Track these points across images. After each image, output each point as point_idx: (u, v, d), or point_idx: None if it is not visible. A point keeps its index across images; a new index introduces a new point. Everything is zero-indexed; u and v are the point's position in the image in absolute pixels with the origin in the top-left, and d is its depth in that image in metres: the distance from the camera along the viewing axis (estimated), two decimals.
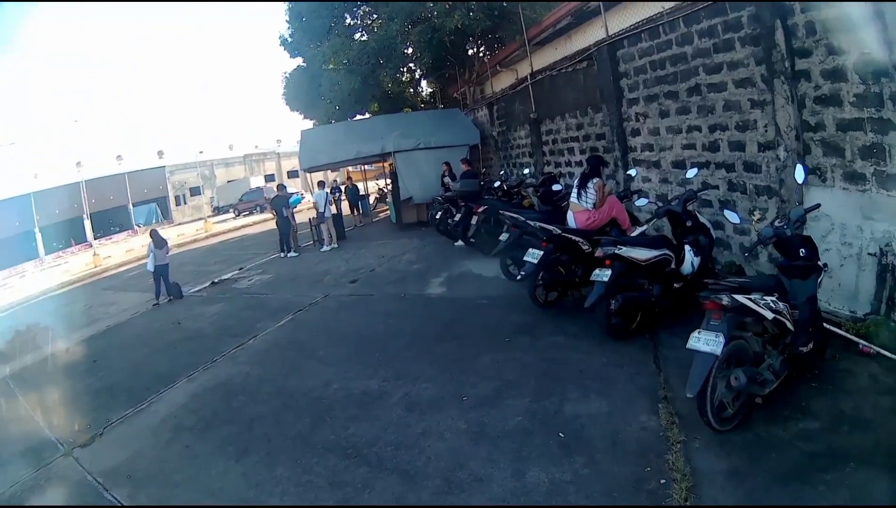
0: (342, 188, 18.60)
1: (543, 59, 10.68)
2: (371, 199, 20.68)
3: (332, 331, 6.50)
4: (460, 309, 6.50)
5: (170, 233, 30.63)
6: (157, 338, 7.54)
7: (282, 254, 12.31)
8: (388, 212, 17.54)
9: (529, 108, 11.20)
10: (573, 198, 6.04)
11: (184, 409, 4.91)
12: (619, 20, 7.53)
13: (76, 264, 22.58)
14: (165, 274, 9.84)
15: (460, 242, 9.66)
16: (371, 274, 9.07)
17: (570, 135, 9.80)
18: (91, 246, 36.53)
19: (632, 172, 6.90)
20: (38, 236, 32.75)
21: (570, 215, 6.08)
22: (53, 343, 8.27)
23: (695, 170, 5.44)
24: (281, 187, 13.83)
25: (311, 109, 19.96)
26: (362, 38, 16.67)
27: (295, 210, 13.50)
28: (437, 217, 10.63)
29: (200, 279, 11.49)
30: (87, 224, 39.03)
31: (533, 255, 5.58)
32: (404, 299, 7.35)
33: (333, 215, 12.98)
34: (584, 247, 5.63)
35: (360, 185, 20.09)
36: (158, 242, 9.84)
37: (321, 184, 13.25)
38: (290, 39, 18.62)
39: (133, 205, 43.45)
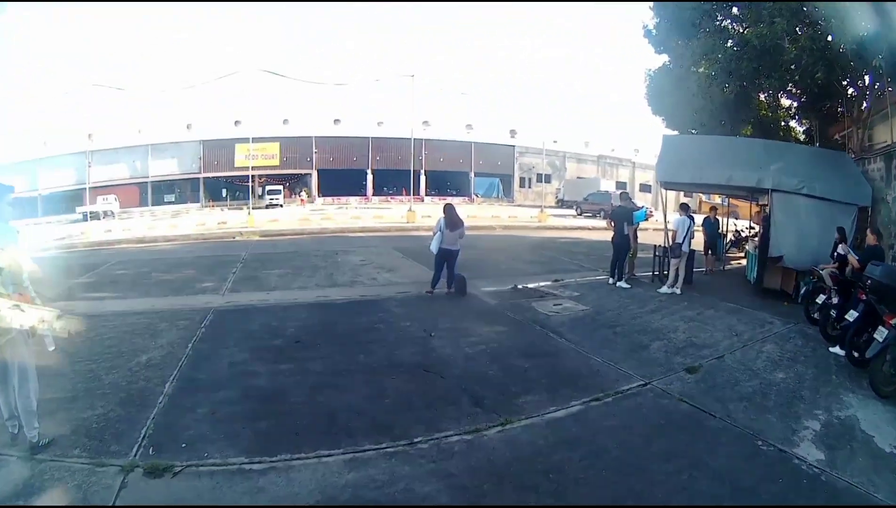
0: (698, 219, 14.38)
1: None
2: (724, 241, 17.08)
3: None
4: None
5: (501, 211, 34.17)
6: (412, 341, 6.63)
7: (610, 281, 10.40)
8: (744, 262, 14.06)
9: None
10: None
11: None
12: None
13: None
14: (452, 261, 8.94)
15: (838, 349, 6.50)
16: (714, 365, 5.91)
17: None
18: (422, 199, 43.63)
19: None
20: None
21: None
22: None
23: None
24: (625, 196, 11.60)
25: (675, 117, 17.71)
26: (741, 32, 13.72)
27: (638, 227, 11.32)
28: (808, 295, 7.83)
29: (503, 276, 10.76)
30: (423, 179, 46.04)
31: None
32: (764, 458, 4.02)
33: (691, 251, 10.35)
34: None
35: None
36: (452, 222, 8.76)
37: (684, 207, 10.22)
38: (654, 31, 16.31)
39: (475, 175, 49.34)
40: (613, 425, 4.50)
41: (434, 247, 9.09)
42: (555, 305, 8.51)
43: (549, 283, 10.46)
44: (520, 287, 10.04)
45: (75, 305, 7.43)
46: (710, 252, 12.95)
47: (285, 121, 51.36)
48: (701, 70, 15.20)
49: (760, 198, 14.25)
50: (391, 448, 3.99)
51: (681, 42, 15.60)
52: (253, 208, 41.97)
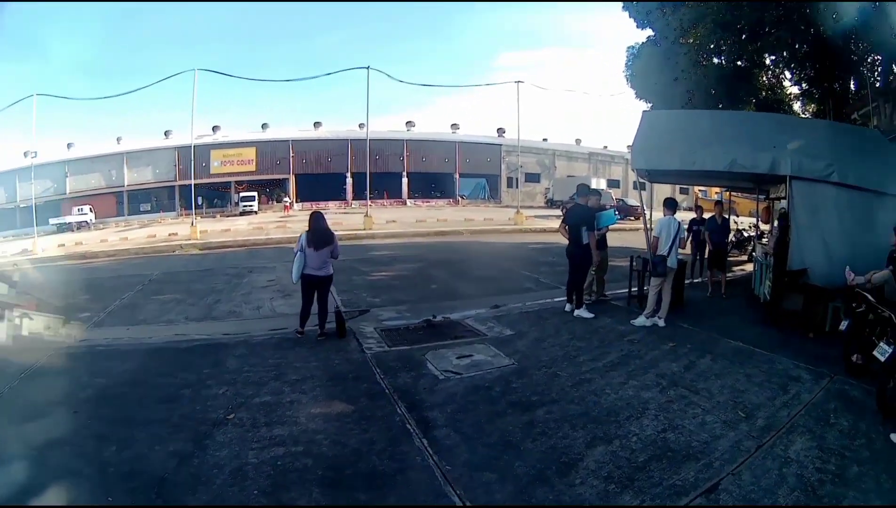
0: (703, 219, 10.11)
1: None
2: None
3: None
4: None
5: (482, 214, 31.47)
6: None
7: (567, 307, 7.52)
8: (748, 268, 11.15)
9: None
10: None
11: None
12: None
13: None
14: (323, 290, 6.47)
15: None
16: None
17: None
18: (405, 203, 41.20)
19: None
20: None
21: None
22: None
23: None
24: (583, 190, 8.02)
25: (663, 101, 15.12)
26: None
27: (606, 232, 8.19)
28: (849, 331, 5.09)
29: (430, 300, 8.52)
30: (405, 182, 43.44)
31: None
32: None
33: (681, 263, 7.42)
34: None
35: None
36: (318, 237, 6.29)
37: (669, 204, 7.21)
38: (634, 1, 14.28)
39: (460, 176, 46.50)
40: None
41: (295, 275, 6.40)
42: (461, 358, 5.57)
43: (482, 312, 7.73)
44: (436, 319, 7.33)
45: None
46: (713, 267, 9.36)
47: (264, 126, 49.01)
48: (691, 41, 12.47)
49: (772, 190, 11.21)
50: None
51: (666, 10, 13.16)
52: (227, 215, 40.20)
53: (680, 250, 7.18)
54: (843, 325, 5.27)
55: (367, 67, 23.64)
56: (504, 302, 8.28)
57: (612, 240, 9.17)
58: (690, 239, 9.81)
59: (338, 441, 3.76)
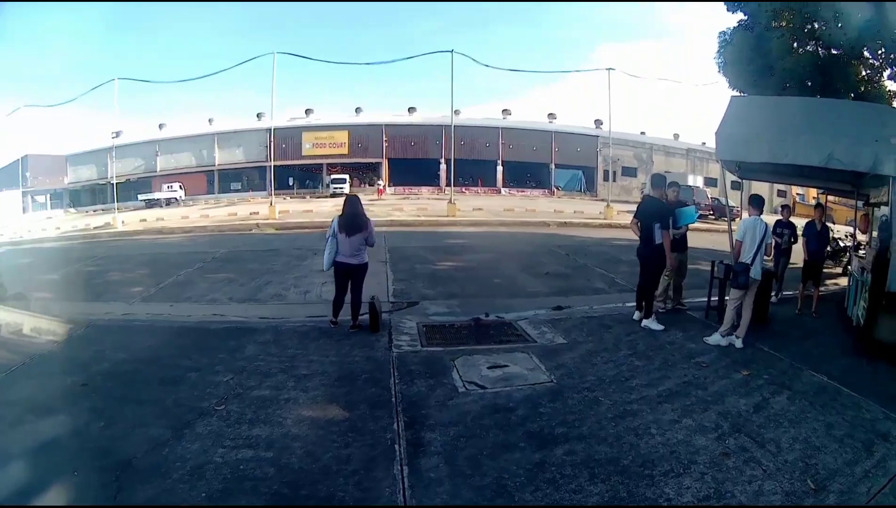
0: (790, 223, 8.51)
1: None
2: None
3: None
4: None
5: (575, 206, 29.74)
6: None
7: (635, 315, 6.49)
8: (842, 283, 9.49)
9: None
10: None
11: None
12: None
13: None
14: (357, 280, 5.98)
15: None
16: None
17: None
18: (499, 191, 40.13)
19: None
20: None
21: None
22: None
23: None
24: (659, 181, 6.72)
25: (757, 90, 13.52)
26: None
27: (685, 231, 7.04)
28: None
29: (489, 295, 7.92)
30: (499, 171, 42.20)
31: None
32: None
33: (766, 274, 6.22)
34: None
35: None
36: (350, 223, 5.83)
37: (755, 202, 6.05)
38: None
39: (556, 167, 44.79)
40: None
41: (326, 262, 5.97)
42: (493, 367, 4.82)
43: (541, 313, 6.93)
44: (487, 318, 6.62)
45: None
46: (808, 279, 7.83)
47: (357, 110, 50.31)
48: (783, 24, 11.49)
49: (872, 195, 9.15)
50: None
51: None
52: (317, 197, 41.68)
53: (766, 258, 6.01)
54: None
55: (451, 51, 23.07)
56: (569, 304, 7.45)
57: (700, 241, 7.89)
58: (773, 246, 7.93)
59: (312, 453, 3.25)
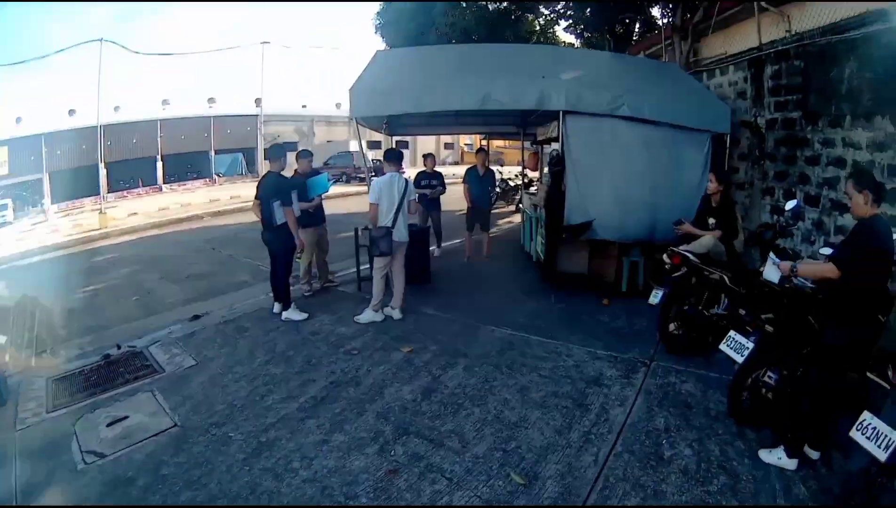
0: (437, 174, 8.36)
1: None
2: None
3: None
4: None
5: (224, 194, 27.26)
6: None
7: (275, 307, 5.99)
8: (516, 221, 10.19)
9: None
10: None
11: None
12: None
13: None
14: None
15: (811, 452, 3.03)
16: None
17: None
18: (160, 189, 35.18)
19: None
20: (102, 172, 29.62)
21: None
22: None
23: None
24: (279, 151, 6.08)
25: (416, 45, 14.05)
26: None
27: (316, 202, 6.46)
28: (665, 305, 4.35)
29: (127, 316, 6.54)
30: (159, 167, 37.28)
31: None
32: None
33: (417, 232, 6.40)
34: None
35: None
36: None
37: (391, 155, 5.62)
38: None
39: (216, 152, 41.23)
40: None
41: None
42: (112, 424, 3.72)
43: (176, 329, 5.82)
44: (119, 351, 5.27)
45: None
46: (476, 224, 8.04)
47: None
48: None
49: (540, 133, 9.92)
50: None
51: None
52: None
53: (411, 216, 5.97)
54: (657, 298, 4.34)
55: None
56: (208, 309, 6.48)
57: (353, 205, 7.64)
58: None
59: None
